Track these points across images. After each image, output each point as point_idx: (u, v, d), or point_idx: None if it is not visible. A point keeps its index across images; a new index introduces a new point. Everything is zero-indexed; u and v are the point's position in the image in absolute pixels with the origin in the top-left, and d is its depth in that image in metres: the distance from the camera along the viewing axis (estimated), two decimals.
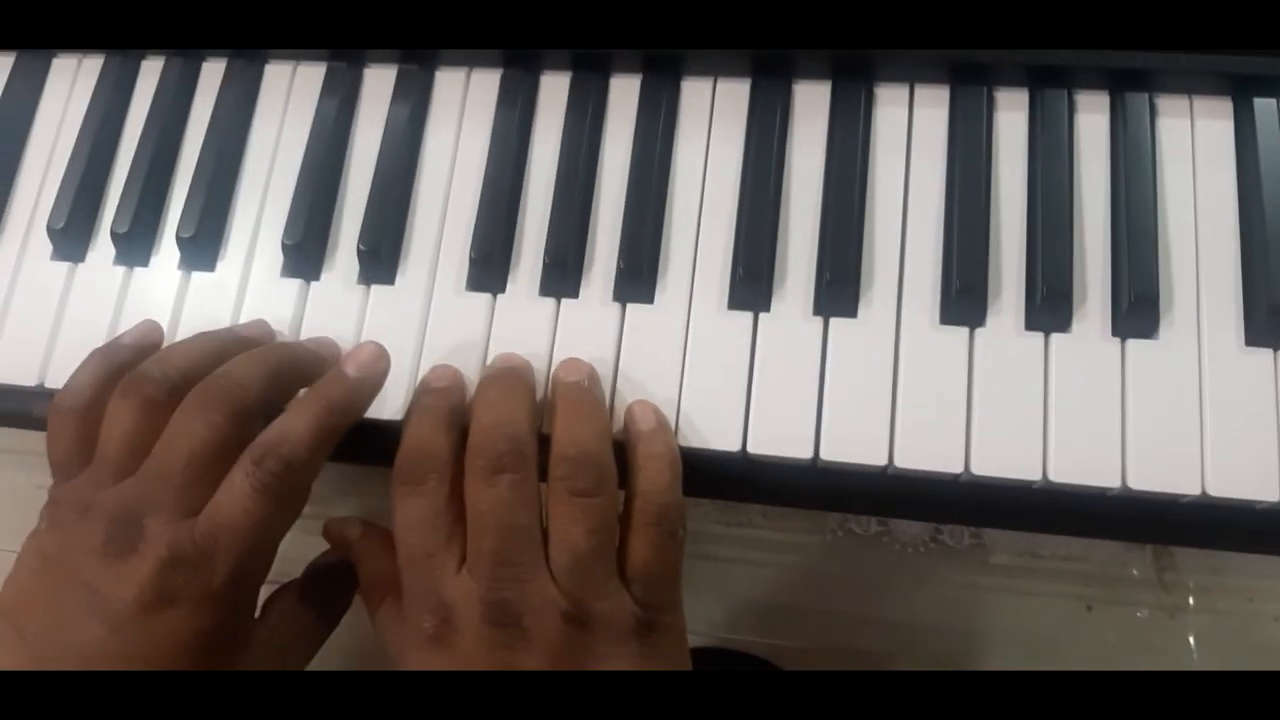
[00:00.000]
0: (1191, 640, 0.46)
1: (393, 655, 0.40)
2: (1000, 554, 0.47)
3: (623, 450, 0.40)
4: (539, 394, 0.42)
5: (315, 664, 0.43)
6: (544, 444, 0.39)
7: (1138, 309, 0.40)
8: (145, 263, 0.47)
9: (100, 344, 0.43)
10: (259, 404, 0.38)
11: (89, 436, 0.39)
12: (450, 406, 0.40)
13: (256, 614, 0.42)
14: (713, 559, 0.49)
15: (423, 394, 0.41)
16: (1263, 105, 0.42)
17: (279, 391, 0.40)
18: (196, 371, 0.39)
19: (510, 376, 0.41)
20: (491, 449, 0.37)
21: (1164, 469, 0.39)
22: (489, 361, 0.43)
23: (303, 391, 0.41)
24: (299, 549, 0.45)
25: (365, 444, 0.42)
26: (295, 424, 0.38)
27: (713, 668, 0.51)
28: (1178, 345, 0.40)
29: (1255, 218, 0.41)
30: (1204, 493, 0.38)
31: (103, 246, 0.47)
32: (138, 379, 0.39)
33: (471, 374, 0.42)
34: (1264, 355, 0.40)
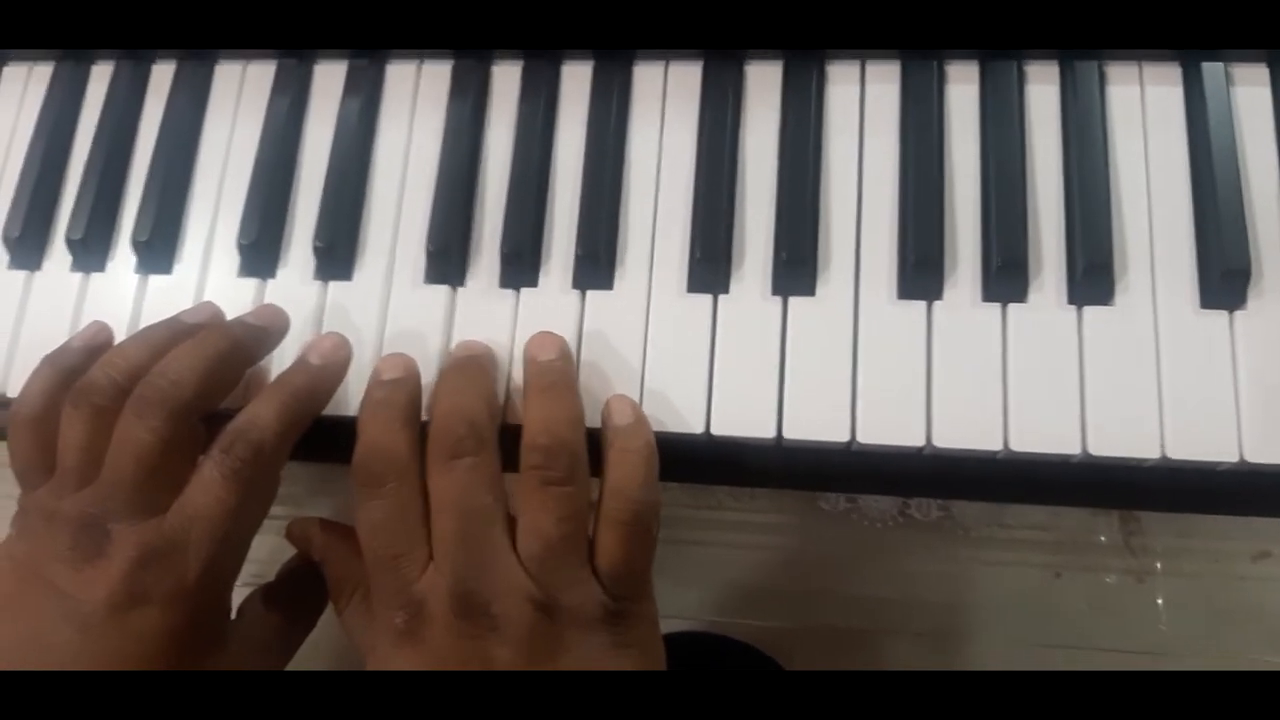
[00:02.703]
0: (1160, 603, 0.46)
1: (361, 653, 0.40)
2: (968, 525, 0.47)
3: (598, 441, 0.40)
4: (504, 379, 0.42)
5: (305, 666, 0.43)
6: (513, 433, 0.39)
7: (1092, 277, 0.40)
8: (102, 268, 0.46)
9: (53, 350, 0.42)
10: (198, 399, 0.38)
11: (48, 444, 0.39)
12: (405, 400, 0.39)
13: (232, 616, 0.42)
14: (682, 542, 0.49)
15: (375, 387, 0.40)
16: (1211, 69, 0.43)
17: (221, 379, 0.40)
18: (142, 370, 0.39)
19: (469, 364, 0.40)
20: (450, 434, 0.37)
21: (1124, 434, 0.39)
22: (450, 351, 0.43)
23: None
24: (276, 552, 0.45)
25: (335, 442, 0.41)
26: (261, 410, 0.38)
27: (694, 653, 0.51)
28: (1133, 311, 0.40)
29: (1206, 181, 0.41)
30: (1164, 456, 0.39)
31: (59, 253, 0.47)
32: (85, 387, 0.39)
33: (432, 367, 0.42)
34: (1219, 318, 0.40)
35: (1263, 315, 0.40)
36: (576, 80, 0.46)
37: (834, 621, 0.48)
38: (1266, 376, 0.39)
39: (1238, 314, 0.40)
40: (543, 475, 0.37)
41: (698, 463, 0.43)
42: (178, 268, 0.46)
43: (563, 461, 0.37)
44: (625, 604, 0.38)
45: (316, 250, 0.44)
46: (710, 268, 0.42)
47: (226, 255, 0.46)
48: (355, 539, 0.39)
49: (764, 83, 0.45)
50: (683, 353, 0.42)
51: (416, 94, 0.47)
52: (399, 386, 0.40)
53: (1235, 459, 0.39)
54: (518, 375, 0.42)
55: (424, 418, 0.40)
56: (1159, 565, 0.46)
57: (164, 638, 0.37)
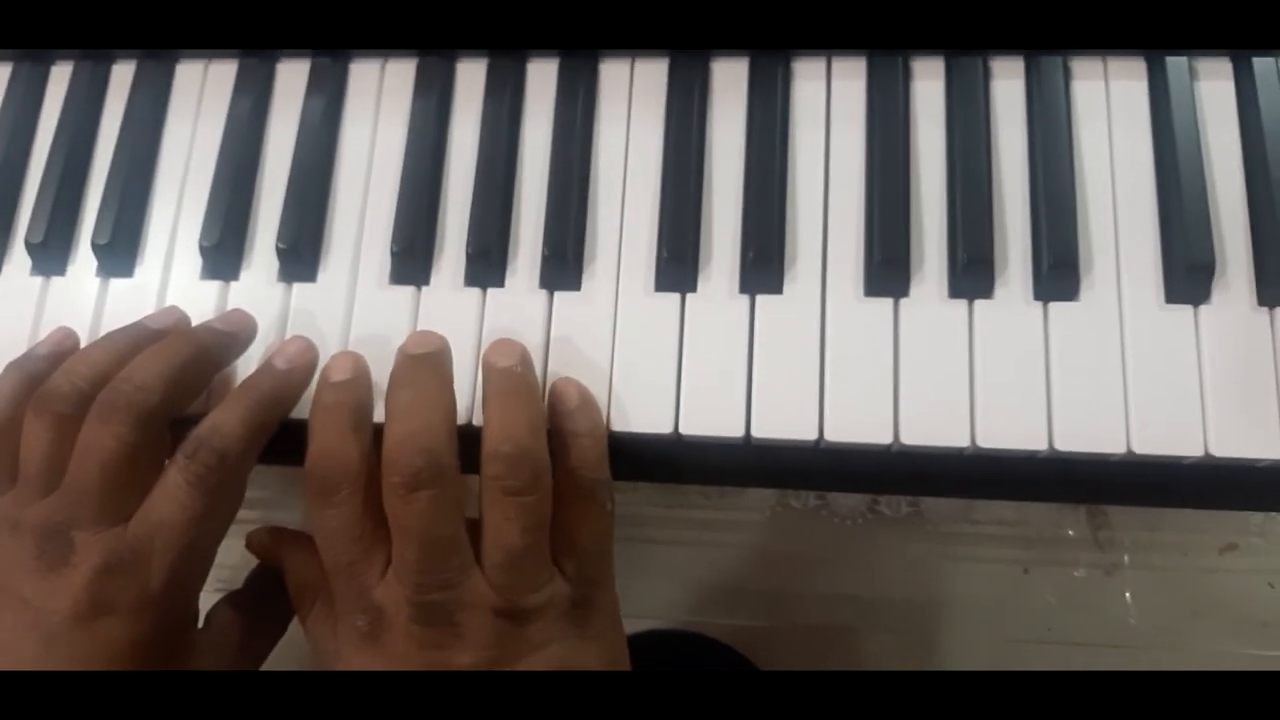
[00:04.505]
0: (1128, 597, 0.46)
1: (325, 662, 0.39)
2: (937, 521, 0.48)
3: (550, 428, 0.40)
4: (469, 380, 0.41)
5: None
6: (473, 437, 0.39)
7: (1058, 272, 0.40)
8: (62, 271, 0.46)
9: (18, 356, 0.42)
10: (164, 405, 0.38)
11: (11, 452, 0.39)
12: (355, 402, 0.38)
13: (200, 624, 0.41)
14: (653, 541, 0.49)
15: (324, 390, 0.39)
16: (1175, 64, 0.43)
17: (187, 385, 0.39)
18: (107, 377, 0.38)
19: (422, 370, 0.39)
20: (408, 465, 0.36)
21: (1090, 429, 0.39)
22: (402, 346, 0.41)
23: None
24: (246, 558, 0.44)
25: (303, 446, 0.41)
26: (226, 416, 0.38)
27: (668, 651, 0.51)
28: (1099, 306, 0.40)
29: (1171, 176, 0.41)
30: (1130, 451, 0.39)
31: (18, 257, 0.46)
32: (48, 395, 0.38)
33: None
34: (1184, 312, 0.40)
35: (1227, 310, 0.40)
36: (542, 78, 0.46)
37: (807, 619, 0.48)
38: (1231, 371, 0.39)
39: (1202, 308, 0.40)
40: (505, 485, 0.36)
41: (667, 462, 0.42)
42: (139, 270, 0.45)
43: (525, 470, 0.36)
44: (587, 590, 0.38)
45: (280, 252, 0.44)
46: (677, 267, 0.42)
47: (189, 257, 0.45)
48: (314, 545, 0.39)
49: (730, 80, 0.45)
50: (651, 352, 0.41)
51: (380, 92, 0.47)
52: (348, 388, 0.39)
53: (1200, 453, 0.39)
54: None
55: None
56: (1127, 559, 0.47)
57: (130, 647, 0.37)
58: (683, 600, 0.50)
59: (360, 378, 0.40)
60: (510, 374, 0.39)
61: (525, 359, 0.40)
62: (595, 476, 0.38)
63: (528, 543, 0.36)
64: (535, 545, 0.37)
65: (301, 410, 0.41)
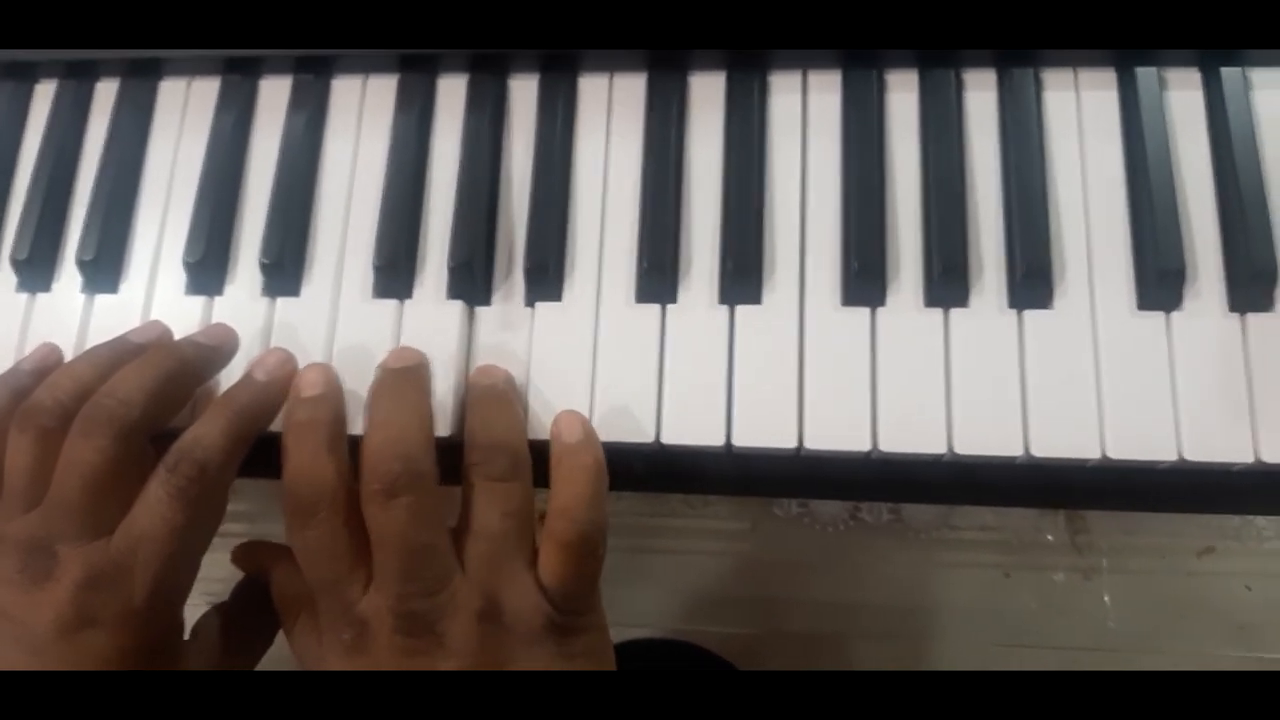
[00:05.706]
0: (1107, 600, 0.47)
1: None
2: (918, 528, 0.48)
3: (547, 461, 0.40)
4: (453, 393, 0.42)
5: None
6: (456, 449, 0.39)
7: (1031, 281, 0.41)
8: (47, 288, 0.46)
9: (2, 372, 0.42)
10: (146, 419, 0.38)
11: None
12: (329, 417, 0.39)
13: (186, 636, 0.41)
14: (638, 550, 0.49)
15: (296, 406, 0.39)
16: (1145, 74, 0.43)
17: (170, 398, 0.39)
18: (89, 391, 0.38)
19: (400, 383, 0.39)
20: (386, 473, 0.36)
21: (1065, 435, 0.40)
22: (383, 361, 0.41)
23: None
24: (234, 571, 0.44)
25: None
26: (207, 428, 0.38)
27: (655, 659, 0.51)
28: (1072, 314, 0.41)
29: (1142, 185, 0.42)
30: (1105, 456, 0.39)
31: (3, 274, 0.47)
32: (31, 410, 0.38)
33: None
34: (1156, 319, 0.41)
35: (1198, 316, 0.41)
36: (522, 93, 0.46)
37: (791, 626, 0.48)
38: (1203, 376, 0.40)
39: (1174, 315, 0.41)
40: (484, 471, 0.37)
41: (650, 472, 0.43)
42: (124, 286, 0.46)
43: (504, 458, 0.37)
44: (571, 618, 0.38)
45: (263, 267, 0.44)
46: (657, 278, 0.43)
47: (173, 273, 0.45)
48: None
49: (708, 94, 0.45)
50: (632, 363, 0.42)
51: (362, 109, 0.47)
52: (321, 404, 0.39)
53: (1174, 457, 0.39)
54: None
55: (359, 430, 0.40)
56: (1105, 563, 0.47)
57: (114, 659, 0.37)
58: (668, 609, 0.50)
59: (332, 392, 0.40)
60: (491, 389, 0.41)
61: (507, 379, 0.42)
62: (587, 519, 0.37)
63: (508, 529, 0.37)
64: (515, 533, 0.37)
65: (280, 424, 0.41)
